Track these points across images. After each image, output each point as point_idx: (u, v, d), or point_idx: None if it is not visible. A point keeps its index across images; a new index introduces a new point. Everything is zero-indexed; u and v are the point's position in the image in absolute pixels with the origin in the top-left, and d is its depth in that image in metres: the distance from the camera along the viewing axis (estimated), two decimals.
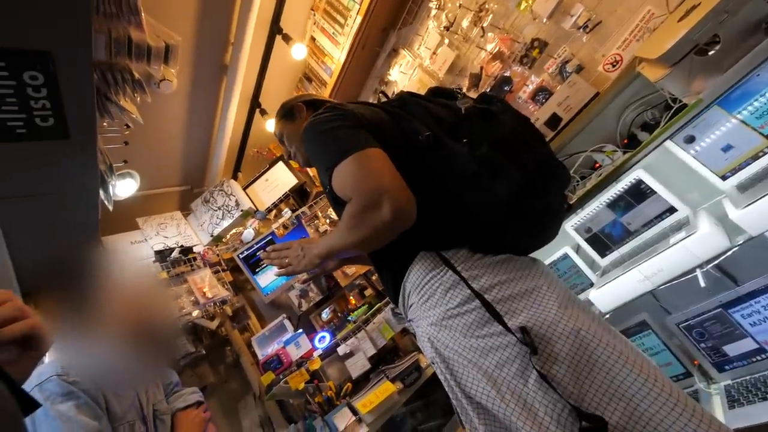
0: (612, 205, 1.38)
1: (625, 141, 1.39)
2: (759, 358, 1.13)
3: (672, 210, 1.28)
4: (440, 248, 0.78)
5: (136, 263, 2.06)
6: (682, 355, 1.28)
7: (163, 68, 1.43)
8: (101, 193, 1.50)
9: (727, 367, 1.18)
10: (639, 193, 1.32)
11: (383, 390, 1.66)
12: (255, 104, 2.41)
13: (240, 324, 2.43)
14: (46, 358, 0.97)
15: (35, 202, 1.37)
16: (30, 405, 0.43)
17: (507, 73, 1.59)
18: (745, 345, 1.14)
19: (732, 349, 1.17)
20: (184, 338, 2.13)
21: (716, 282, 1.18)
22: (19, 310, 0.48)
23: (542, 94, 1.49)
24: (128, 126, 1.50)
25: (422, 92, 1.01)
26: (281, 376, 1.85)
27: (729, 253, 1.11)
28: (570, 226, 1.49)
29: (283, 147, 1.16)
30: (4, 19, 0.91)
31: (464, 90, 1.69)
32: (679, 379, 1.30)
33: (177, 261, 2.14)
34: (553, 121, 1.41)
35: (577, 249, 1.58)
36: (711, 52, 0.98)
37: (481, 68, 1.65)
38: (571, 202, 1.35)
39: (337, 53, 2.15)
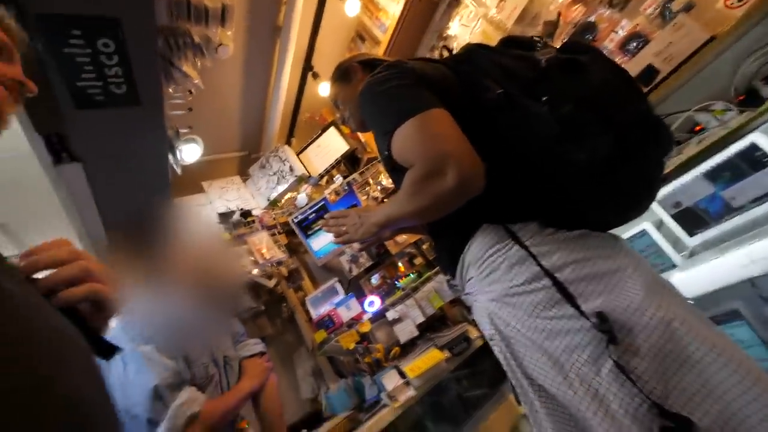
0: (712, 175, 1.16)
1: (741, 97, 1.14)
2: None
3: None
4: (507, 221, 0.71)
5: (204, 223, 2.22)
6: None
7: (219, 32, 1.43)
8: (170, 157, 1.60)
9: None
10: (751, 161, 1.09)
11: (431, 357, 1.67)
12: (307, 67, 2.37)
13: (295, 284, 2.57)
14: (131, 306, 1.10)
15: (113, 165, 1.49)
16: (109, 348, 0.46)
17: (591, 18, 1.36)
18: None
19: None
20: (246, 294, 2.31)
21: None
22: (84, 271, 0.49)
23: (635, 41, 1.26)
24: (191, 92, 1.54)
25: (488, 45, 0.88)
26: (333, 335, 1.95)
27: None
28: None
29: (338, 111, 1.12)
30: None
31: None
32: None
33: (238, 223, 2.27)
34: (647, 74, 1.19)
35: (660, 225, 1.39)
36: None
37: (559, 14, 1.42)
38: (666, 172, 1.16)
39: (393, 6, 2.00)
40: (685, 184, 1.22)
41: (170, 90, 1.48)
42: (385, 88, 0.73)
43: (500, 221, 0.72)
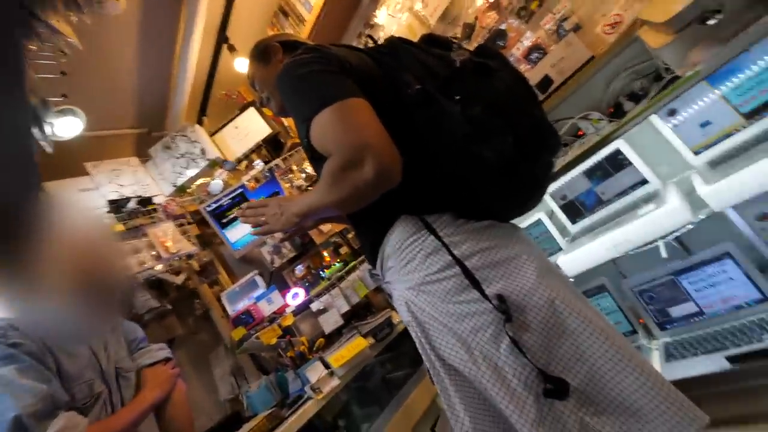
0: (589, 173, 1.40)
1: (611, 110, 1.39)
2: (697, 319, 1.25)
3: (644, 182, 1.32)
4: (423, 212, 0.76)
5: (85, 212, 1.87)
6: (631, 315, 1.40)
7: None
8: (35, 130, 1.30)
9: (668, 327, 1.31)
10: (616, 163, 1.34)
11: (355, 345, 1.70)
12: (222, 38, 2.14)
13: (209, 279, 2.36)
14: None
15: None
16: None
17: (503, 26, 1.49)
18: (688, 308, 1.26)
19: (675, 311, 1.29)
20: (146, 293, 2.04)
21: (673, 251, 1.27)
22: None
23: (536, 52, 1.43)
24: (64, 52, 1.27)
25: (411, 39, 0.91)
26: (252, 331, 1.85)
27: (690, 227, 1.18)
28: (547, 192, 1.51)
29: (256, 92, 1.05)
30: None
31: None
32: (626, 335, 1.43)
33: (134, 212, 1.98)
34: (545, 83, 1.37)
35: (551, 215, 1.62)
36: (711, 21, 0.95)
37: (476, 18, 1.53)
38: (556, 170, 1.36)
39: None
40: (570, 180, 1.44)
41: (33, 48, 1.19)
42: (306, 72, 0.71)
43: (417, 213, 0.75)
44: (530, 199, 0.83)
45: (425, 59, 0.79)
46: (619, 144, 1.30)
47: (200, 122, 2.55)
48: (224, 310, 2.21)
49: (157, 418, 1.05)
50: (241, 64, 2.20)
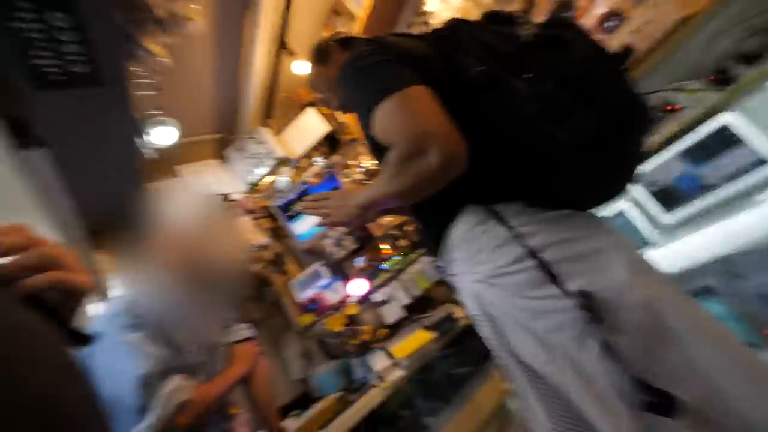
0: (687, 154, 1.20)
1: (712, 78, 1.17)
2: None
3: (762, 162, 1.09)
4: (491, 201, 0.71)
5: (195, 198, 2.11)
6: (751, 324, 1.18)
7: (184, 5, 1.33)
8: (140, 140, 1.51)
9: None
10: (723, 140, 1.13)
11: (418, 337, 1.71)
12: (281, 44, 2.25)
13: (279, 268, 2.55)
14: (117, 292, 1.06)
15: (79, 149, 1.40)
16: (83, 338, 0.44)
17: None
18: None
19: None
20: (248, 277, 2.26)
21: None
22: (44, 257, 0.45)
23: (612, 19, 1.25)
24: (158, 71, 1.45)
25: (470, 19, 0.85)
26: (319, 318, 1.96)
27: None
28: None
29: (317, 93, 1.08)
30: None
31: None
32: None
33: None
34: (624, 53, 1.19)
35: (636, 204, 1.43)
36: None
37: None
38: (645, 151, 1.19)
39: None
40: (663, 164, 1.25)
41: (136, 70, 1.38)
42: (365, 64, 0.70)
43: (483, 202, 0.71)
44: (616, 183, 0.73)
45: (487, 38, 0.74)
46: (727, 118, 1.09)
47: (266, 124, 2.73)
48: (293, 297, 2.37)
49: (244, 389, 1.17)
50: (299, 67, 2.30)
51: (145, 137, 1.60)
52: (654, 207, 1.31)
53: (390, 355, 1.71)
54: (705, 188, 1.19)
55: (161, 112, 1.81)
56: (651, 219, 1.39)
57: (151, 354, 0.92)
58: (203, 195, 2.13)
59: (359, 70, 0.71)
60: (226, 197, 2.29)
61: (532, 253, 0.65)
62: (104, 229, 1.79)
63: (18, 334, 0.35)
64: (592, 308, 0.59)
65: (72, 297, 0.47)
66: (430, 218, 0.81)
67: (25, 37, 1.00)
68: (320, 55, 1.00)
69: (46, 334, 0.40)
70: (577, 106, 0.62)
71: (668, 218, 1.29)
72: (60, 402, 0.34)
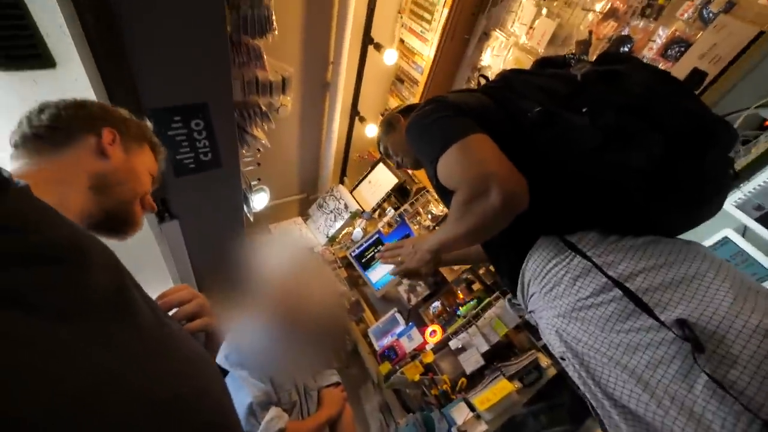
0: None
1: None
2: None
3: None
4: (563, 232, 0.70)
5: (295, 248, 2.39)
6: None
7: (281, 98, 1.68)
8: (245, 207, 1.84)
9: None
10: None
11: (500, 388, 1.61)
12: (354, 113, 2.61)
13: (356, 316, 2.66)
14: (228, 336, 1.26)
15: (201, 218, 1.76)
16: (221, 371, 0.59)
17: (625, 31, 1.36)
18: None
19: None
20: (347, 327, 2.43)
21: None
22: (200, 306, 0.63)
23: (676, 46, 1.23)
24: (259, 150, 1.80)
25: (522, 69, 0.90)
26: (397, 367, 1.97)
27: None
28: (730, 203, 1.20)
29: (391, 159, 1.18)
30: (179, 86, 1.20)
31: None
32: None
33: None
34: (695, 78, 1.15)
35: (744, 231, 1.26)
36: None
37: (590, 32, 1.44)
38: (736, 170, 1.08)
39: (426, 50, 2.17)
40: (764, 185, 1.11)
41: (243, 151, 1.74)
42: (429, 121, 0.77)
43: (556, 232, 0.71)
44: (700, 206, 0.69)
45: (541, 81, 0.77)
46: None
47: (342, 182, 3.06)
48: (370, 347, 2.43)
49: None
50: (371, 130, 2.60)
51: (249, 203, 1.95)
52: (765, 233, 1.14)
53: (471, 407, 1.63)
54: None
55: (259, 181, 2.19)
56: (765, 247, 1.20)
57: (257, 387, 1.07)
58: (295, 248, 2.41)
59: (424, 126, 0.78)
60: (311, 250, 2.56)
61: (617, 283, 0.62)
62: (215, 283, 2.14)
63: (201, 357, 0.49)
64: (694, 339, 0.53)
65: (212, 338, 0.64)
66: (503, 256, 0.81)
67: (176, 141, 1.37)
68: (388, 126, 1.12)
69: (213, 363, 0.55)
70: (640, 132, 0.62)
71: None
72: (226, 415, 0.47)
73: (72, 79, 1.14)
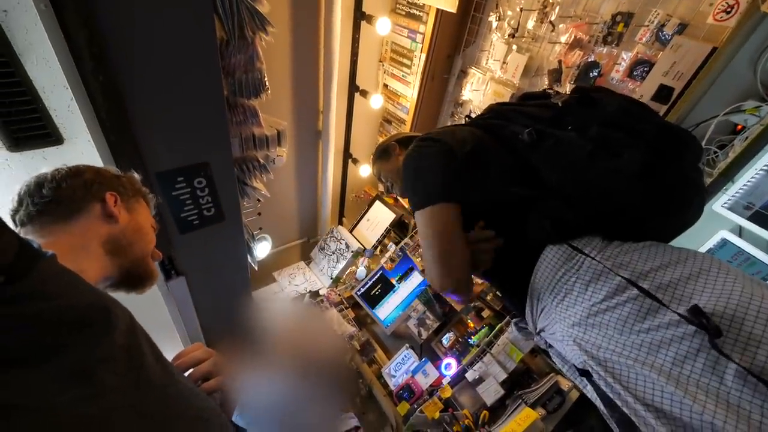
0: None
1: None
2: None
3: None
4: (568, 239, 0.72)
5: (287, 309, 2.38)
6: None
7: (277, 150, 1.76)
8: (248, 257, 1.86)
9: None
10: None
11: (524, 417, 1.55)
12: (347, 156, 2.71)
13: (368, 357, 2.59)
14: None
15: (206, 272, 1.77)
16: (237, 430, 0.59)
17: (591, 58, 1.47)
18: None
19: None
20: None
21: None
22: (215, 365, 0.64)
23: (641, 67, 1.33)
24: (259, 200, 1.85)
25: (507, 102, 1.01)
26: (415, 406, 1.90)
27: None
28: (720, 205, 1.23)
29: (381, 183, 1.23)
30: (182, 148, 1.27)
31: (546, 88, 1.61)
32: None
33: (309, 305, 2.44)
34: (663, 93, 1.24)
35: (740, 232, 1.28)
36: None
37: (560, 62, 1.56)
38: (711, 180, 1.13)
39: (409, 92, 2.30)
40: (750, 185, 1.16)
41: (245, 203, 1.79)
42: (419, 165, 0.81)
43: (561, 240, 0.72)
44: (688, 207, 0.72)
45: (527, 110, 0.84)
46: None
47: (341, 222, 3.10)
48: (385, 387, 2.34)
49: None
50: (364, 170, 2.69)
51: (253, 252, 1.97)
52: (761, 232, 1.17)
53: None
54: None
55: (260, 230, 2.23)
56: (764, 245, 1.22)
57: None
58: (296, 298, 2.41)
59: (415, 169, 0.82)
60: (315, 294, 2.54)
61: (632, 282, 0.62)
62: (221, 337, 2.10)
63: (218, 415, 0.50)
64: (711, 325, 0.53)
65: (227, 397, 0.65)
66: (508, 269, 0.81)
67: (180, 200, 1.42)
68: (383, 153, 1.17)
69: (227, 422, 0.56)
70: (624, 139, 0.68)
71: None
72: None
73: (78, 152, 1.21)
